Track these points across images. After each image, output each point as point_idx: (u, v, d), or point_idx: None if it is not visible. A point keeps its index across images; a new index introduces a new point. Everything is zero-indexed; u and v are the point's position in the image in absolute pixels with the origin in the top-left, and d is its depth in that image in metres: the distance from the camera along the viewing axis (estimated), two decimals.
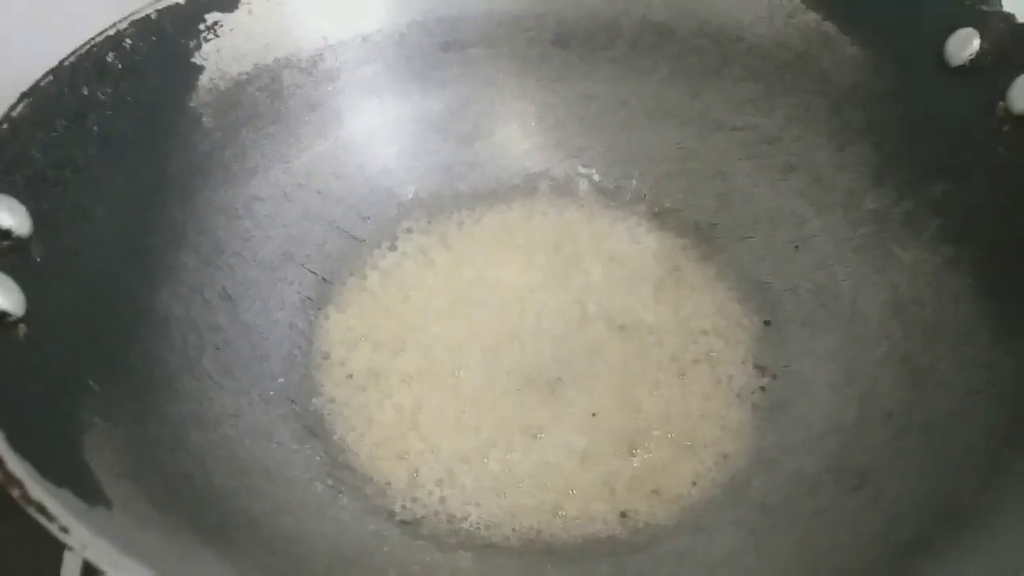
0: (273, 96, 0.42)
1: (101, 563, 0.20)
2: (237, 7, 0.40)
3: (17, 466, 0.23)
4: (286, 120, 0.42)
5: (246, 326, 0.37)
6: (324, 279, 0.41)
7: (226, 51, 0.40)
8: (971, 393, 0.31)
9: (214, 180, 0.39)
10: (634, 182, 0.45)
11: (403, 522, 0.33)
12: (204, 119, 0.39)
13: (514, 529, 0.33)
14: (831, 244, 0.39)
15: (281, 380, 0.36)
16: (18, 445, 0.24)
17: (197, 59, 0.39)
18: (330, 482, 0.34)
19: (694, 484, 0.34)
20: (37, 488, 0.23)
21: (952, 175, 0.36)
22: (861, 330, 0.36)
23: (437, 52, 0.45)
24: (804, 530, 0.30)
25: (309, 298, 0.40)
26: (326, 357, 0.38)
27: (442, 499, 0.34)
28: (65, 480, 0.24)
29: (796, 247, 0.40)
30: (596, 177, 0.45)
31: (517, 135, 0.46)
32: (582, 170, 0.45)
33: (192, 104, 0.39)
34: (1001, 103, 0.34)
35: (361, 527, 0.32)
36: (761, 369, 0.38)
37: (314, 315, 0.40)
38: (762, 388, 0.37)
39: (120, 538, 0.21)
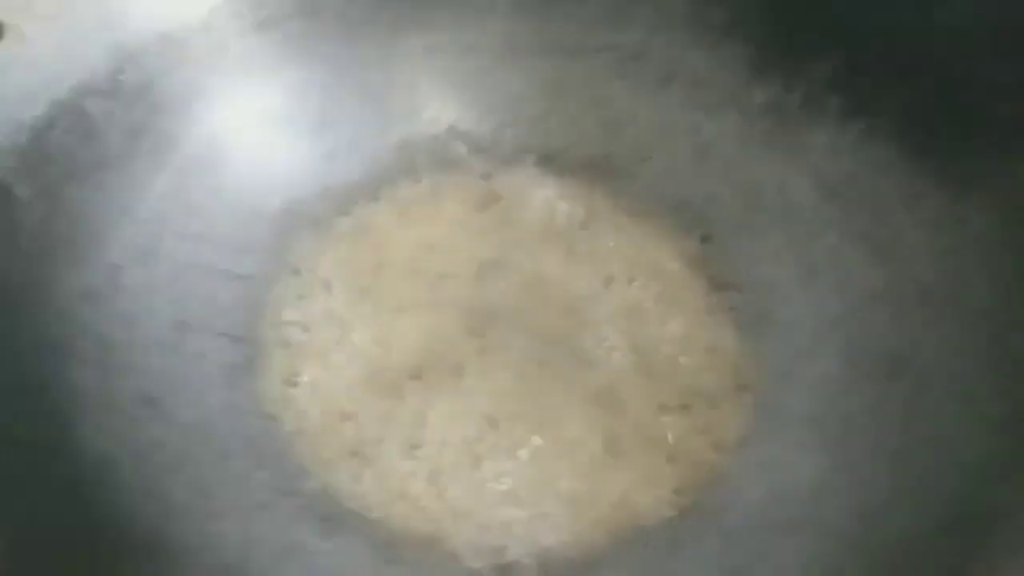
0: (86, 135, 0.33)
1: None
2: (2, 36, 0.30)
3: None
4: (111, 161, 0.34)
5: (187, 428, 0.29)
6: (235, 337, 0.33)
7: (10, 93, 0.30)
8: (947, 254, 0.32)
9: (60, 262, 0.30)
10: (509, 130, 0.41)
11: None
12: (15, 189, 0.30)
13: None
14: (734, 145, 0.39)
15: (263, 473, 0.30)
16: None
17: None
18: None
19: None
20: None
21: (840, 51, 0.37)
22: (802, 220, 0.37)
23: (251, 35, 0.38)
24: (869, 432, 0.30)
25: (234, 365, 0.33)
26: (287, 428, 0.32)
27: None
28: None
29: (701, 156, 0.40)
30: (469, 134, 0.41)
31: (369, 111, 0.41)
32: (451, 129, 0.41)
33: None
34: None
35: None
36: (721, 286, 0.37)
37: (250, 381, 0.32)
38: (733, 306, 0.36)
39: None
